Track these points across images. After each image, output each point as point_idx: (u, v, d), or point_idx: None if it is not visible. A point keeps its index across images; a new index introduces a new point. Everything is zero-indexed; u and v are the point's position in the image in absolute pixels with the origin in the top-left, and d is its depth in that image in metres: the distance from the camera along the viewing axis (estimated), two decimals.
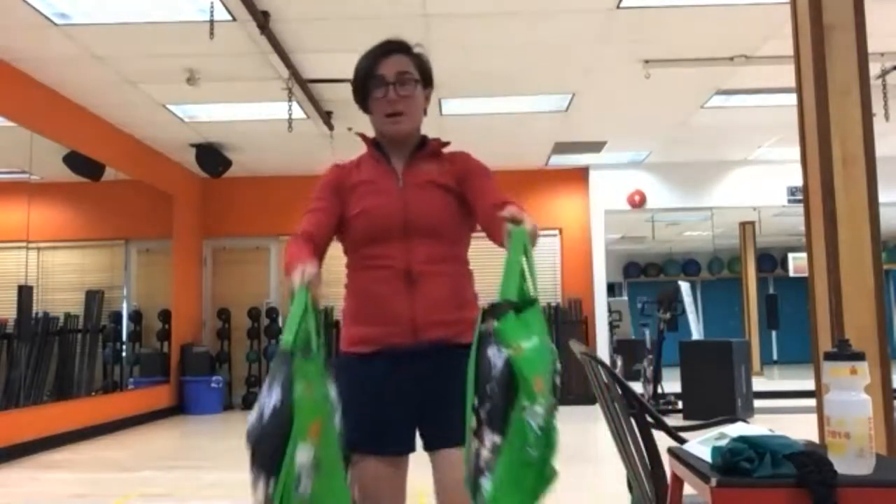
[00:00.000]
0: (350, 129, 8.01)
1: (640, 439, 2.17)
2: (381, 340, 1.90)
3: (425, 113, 2.00)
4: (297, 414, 1.54)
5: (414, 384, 1.89)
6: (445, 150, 2.04)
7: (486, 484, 1.51)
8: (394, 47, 1.94)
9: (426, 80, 1.98)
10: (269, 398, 1.55)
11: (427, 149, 1.99)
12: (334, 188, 1.96)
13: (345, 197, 1.94)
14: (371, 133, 2.04)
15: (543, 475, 1.58)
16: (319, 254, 1.89)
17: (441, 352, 1.89)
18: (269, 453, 1.53)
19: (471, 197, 1.94)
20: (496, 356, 1.54)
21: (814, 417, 3.29)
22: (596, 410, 8.91)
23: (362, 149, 2.05)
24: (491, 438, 1.53)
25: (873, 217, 3.12)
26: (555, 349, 1.67)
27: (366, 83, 1.92)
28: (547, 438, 1.57)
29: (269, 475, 1.53)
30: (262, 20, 5.32)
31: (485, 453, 1.53)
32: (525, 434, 1.52)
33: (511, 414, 1.52)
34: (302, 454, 1.54)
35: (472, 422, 1.56)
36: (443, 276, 1.92)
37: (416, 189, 1.92)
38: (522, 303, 1.62)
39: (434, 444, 1.91)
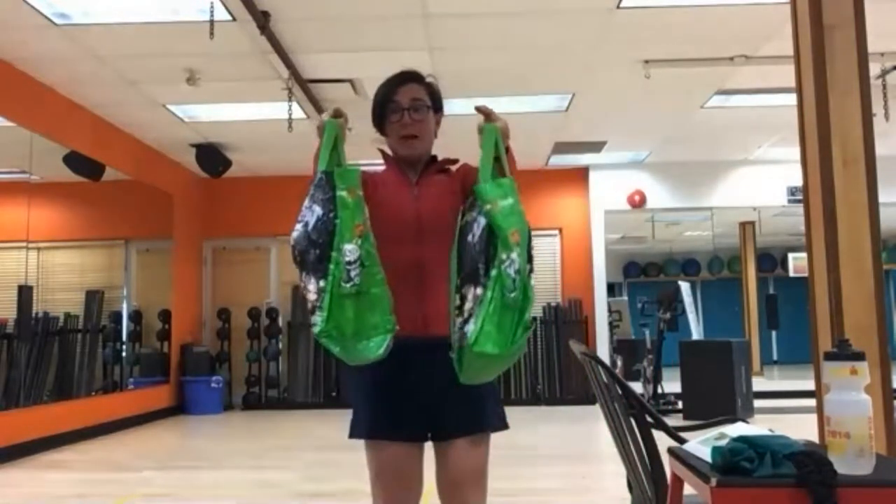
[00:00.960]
0: (350, 129, 8.00)
1: (640, 439, 2.17)
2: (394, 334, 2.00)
3: (435, 135, 2.22)
4: (342, 215, 1.81)
5: (424, 376, 2.00)
6: (453, 167, 2.25)
7: (470, 327, 1.74)
8: (408, 77, 2.17)
9: (437, 106, 2.22)
10: (311, 213, 1.83)
11: (437, 165, 2.21)
12: (362, 180, 2.12)
13: (369, 193, 2.09)
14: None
15: (522, 321, 1.78)
16: None
17: (448, 347, 1.96)
18: (317, 257, 1.79)
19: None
20: (476, 223, 1.82)
21: (814, 417, 3.29)
22: (596, 410, 8.91)
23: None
24: (473, 293, 1.77)
25: (873, 217, 3.12)
26: (527, 221, 1.90)
27: (383, 108, 2.15)
28: (524, 289, 1.79)
29: (318, 275, 1.79)
30: (262, 20, 5.32)
31: (468, 306, 1.75)
32: (503, 281, 1.76)
33: (491, 267, 1.77)
34: (350, 251, 1.80)
35: (455, 301, 1.80)
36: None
37: (428, 197, 2.12)
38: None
39: (443, 434, 2.01)
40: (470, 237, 1.82)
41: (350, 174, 1.89)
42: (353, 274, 1.79)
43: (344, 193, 1.85)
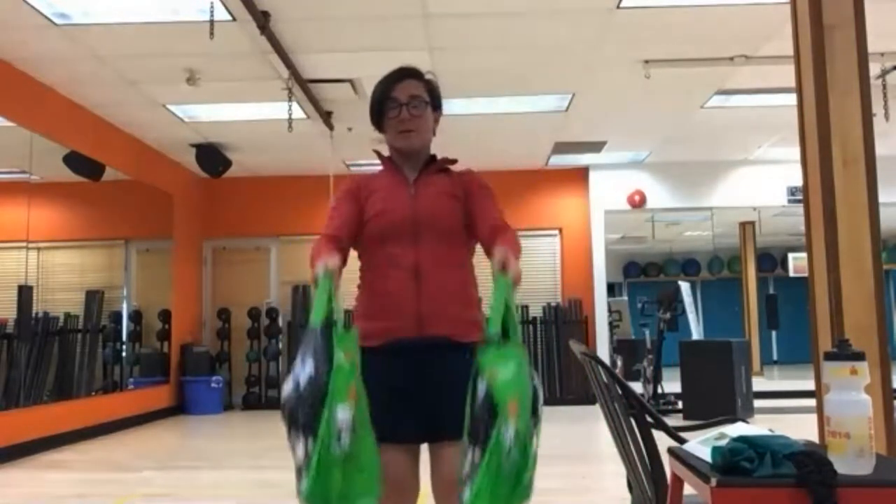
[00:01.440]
0: (350, 129, 8.01)
1: (640, 439, 2.17)
2: (388, 334, 2.02)
3: (434, 133, 2.20)
4: (337, 377, 1.76)
5: (419, 377, 2.00)
6: (453, 167, 2.21)
7: (466, 492, 1.75)
8: (407, 73, 2.14)
9: (435, 103, 2.18)
10: (303, 369, 1.76)
11: (436, 164, 2.17)
12: (353, 194, 2.14)
13: (362, 203, 2.11)
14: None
15: (518, 489, 1.77)
16: (342, 251, 2.05)
17: (444, 348, 2.01)
18: (307, 417, 1.73)
19: (473, 214, 2.10)
20: (480, 385, 1.78)
21: (814, 417, 3.29)
22: (596, 410, 8.90)
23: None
24: (473, 452, 1.76)
25: (873, 217, 3.12)
26: (534, 379, 1.86)
27: (381, 105, 2.12)
28: (522, 456, 1.77)
29: (307, 436, 1.73)
30: (262, 20, 5.32)
31: (467, 467, 1.76)
32: (500, 450, 1.74)
33: (490, 432, 1.74)
34: (342, 413, 1.75)
35: (465, 442, 1.79)
36: (448, 276, 2.06)
37: (426, 196, 2.09)
38: (505, 337, 1.86)
39: (435, 437, 2.01)
40: (478, 392, 1.80)
41: (349, 338, 1.85)
42: (343, 438, 1.75)
43: (342, 357, 1.81)
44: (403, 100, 2.09)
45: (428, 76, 2.19)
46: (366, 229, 2.09)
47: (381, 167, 2.21)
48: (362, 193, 2.13)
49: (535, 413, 1.83)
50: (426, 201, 2.08)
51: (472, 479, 1.74)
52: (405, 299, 2.01)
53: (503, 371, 1.80)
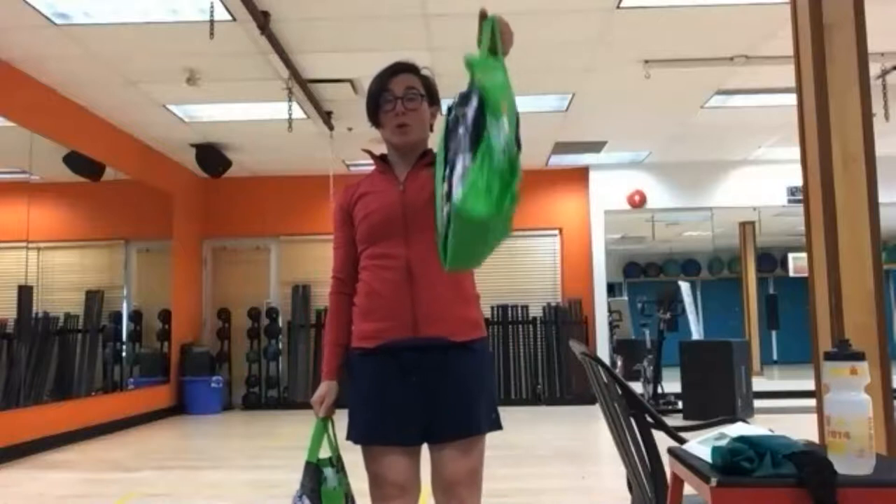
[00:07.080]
0: (350, 129, 8.01)
1: (640, 439, 2.17)
2: (384, 335, 2.01)
3: (431, 129, 2.16)
4: None
5: (416, 378, 1.98)
6: None
7: (457, 190, 1.66)
8: (403, 67, 2.13)
9: (432, 98, 2.16)
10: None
11: (428, 158, 2.12)
12: (344, 212, 2.15)
13: (352, 212, 2.12)
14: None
15: (510, 190, 1.66)
16: (351, 290, 2.14)
17: (441, 348, 1.99)
18: None
19: None
20: (469, 107, 1.74)
21: (814, 417, 3.29)
22: (596, 410, 8.90)
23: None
24: (463, 162, 1.69)
25: (873, 217, 3.12)
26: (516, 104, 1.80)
27: (377, 99, 2.10)
28: (510, 161, 1.67)
29: None
30: (262, 20, 5.32)
31: (457, 173, 1.68)
32: (493, 146, 1.65)
33: (481, 135, 1.68)
34: None
35: (442, 188, 1.74)
36: (443, 274, 1.99)
37: (416, 190, 2.05)
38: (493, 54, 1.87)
39: (434, 437, 2.00)
40: (461, 129, 1.75)
41: (336, 496, 2.07)
42: None
43: None
44: (399, 93, 2.07)
45: (424, 71, 2.17)
46: (357, 232, 2.09)
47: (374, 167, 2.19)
48: (351, 204, 2.12)
49: (517, 139, 1.75)
50: (415, 195, 2.04)
51: (465, 176, 1.65)
52: (399, 301, 1.99)
53: (494, 76, 1.81)
